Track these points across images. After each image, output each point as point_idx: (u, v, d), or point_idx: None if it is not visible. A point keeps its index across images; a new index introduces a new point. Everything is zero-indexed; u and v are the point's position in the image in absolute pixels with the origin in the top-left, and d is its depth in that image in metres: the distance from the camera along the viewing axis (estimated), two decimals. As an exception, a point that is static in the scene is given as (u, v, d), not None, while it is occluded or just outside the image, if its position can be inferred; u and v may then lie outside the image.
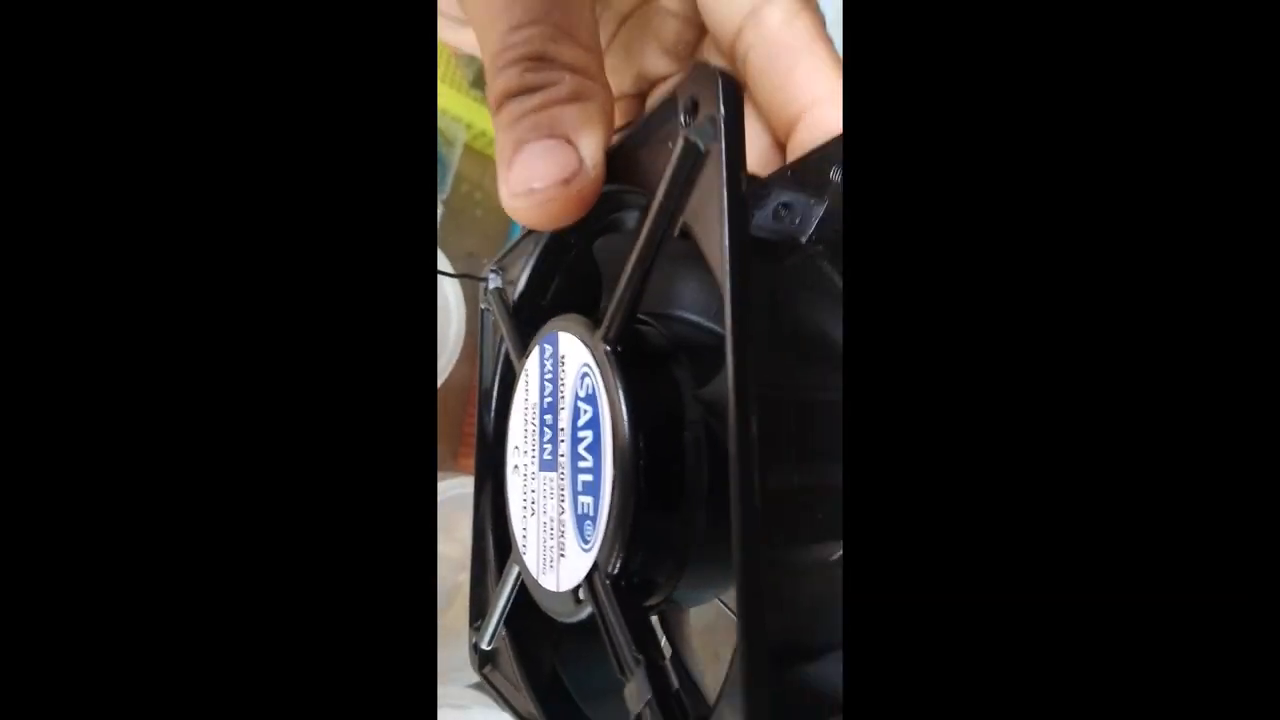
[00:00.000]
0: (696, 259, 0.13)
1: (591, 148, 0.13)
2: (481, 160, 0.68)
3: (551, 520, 0.16)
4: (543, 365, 0.17)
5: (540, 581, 0.16)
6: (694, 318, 0.18)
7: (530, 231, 0.22)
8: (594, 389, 0.14)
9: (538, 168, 0.13)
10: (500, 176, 0.14)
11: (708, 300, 0.18)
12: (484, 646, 0.20)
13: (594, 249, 0.20)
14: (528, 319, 0.21)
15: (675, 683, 0.13)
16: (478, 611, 0.22)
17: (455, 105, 0.62)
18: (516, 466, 0.18)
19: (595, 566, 0.14)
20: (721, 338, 0.13)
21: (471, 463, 0.59)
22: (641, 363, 0.14)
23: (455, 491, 0.51)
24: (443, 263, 0.56)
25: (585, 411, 0.14)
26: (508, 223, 0.69)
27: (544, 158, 0.13)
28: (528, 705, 0.19)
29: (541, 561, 0.16)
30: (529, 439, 0.17)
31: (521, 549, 0.17)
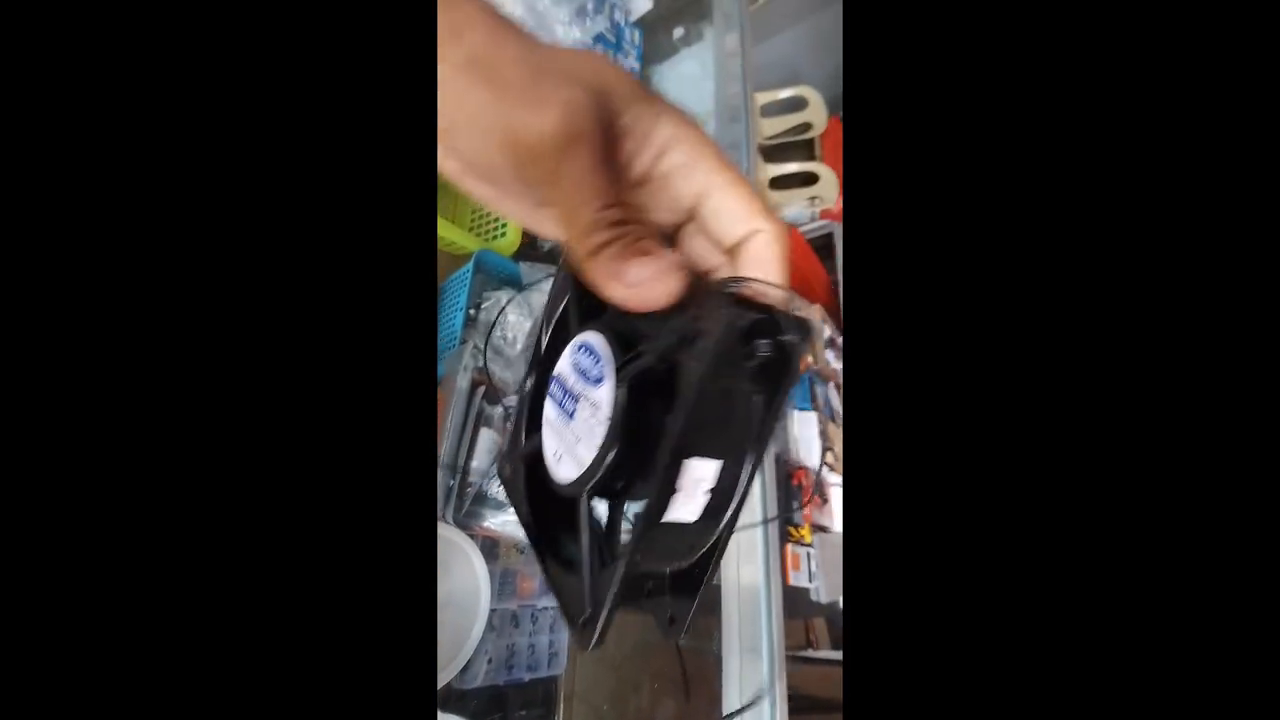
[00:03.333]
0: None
1: (669, 257, 0.20)
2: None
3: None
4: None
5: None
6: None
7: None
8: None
9: (643, 270, 0.20)
10: (612, 285, 0.21)
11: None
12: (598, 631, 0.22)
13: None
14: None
15: None
16: (577, 613, 0.23)
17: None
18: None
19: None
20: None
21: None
22: None
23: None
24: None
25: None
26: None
27: (645, 265, 0.20)
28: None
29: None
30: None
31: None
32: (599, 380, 0.23)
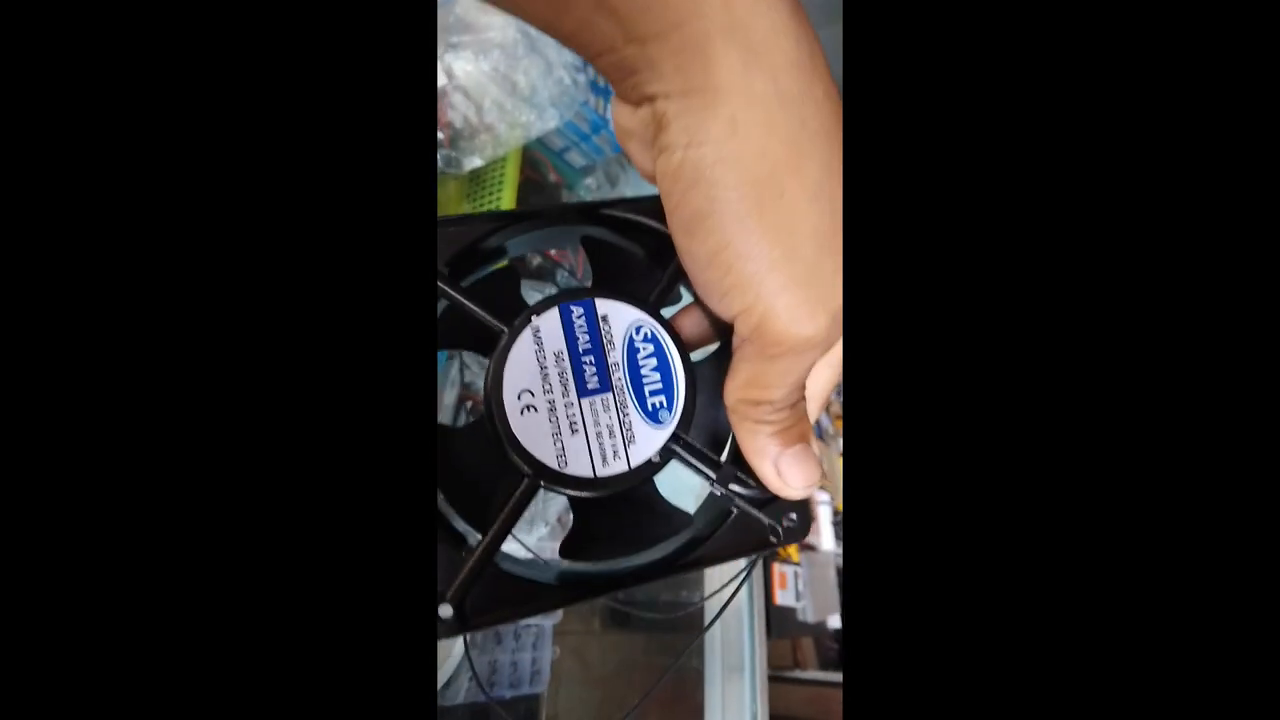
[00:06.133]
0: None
1: (812, 450, 0.23)
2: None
3: (609, 425, 0.23)
4: (571, 324, 0.23)
5: (605, 471, 0.23)
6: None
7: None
8: (654, 334, 0.24)
9: (805, 465, 0.23)
10: (765, 464, 0.23)
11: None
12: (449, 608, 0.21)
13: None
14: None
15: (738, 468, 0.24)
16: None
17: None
18: (530, 407, 0.22)
19: (675, 434, 0.23)
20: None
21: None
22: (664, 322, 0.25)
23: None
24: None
25: (646, 349, 0.23)
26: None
27: (798, 456, 0.23)
28: (548, 599, 0.23)
29: (601, 457, 0.23)
30: (554, 381, 0.23)
31: (560, 466, 0.22)
32: (660, 359, 0.24)
